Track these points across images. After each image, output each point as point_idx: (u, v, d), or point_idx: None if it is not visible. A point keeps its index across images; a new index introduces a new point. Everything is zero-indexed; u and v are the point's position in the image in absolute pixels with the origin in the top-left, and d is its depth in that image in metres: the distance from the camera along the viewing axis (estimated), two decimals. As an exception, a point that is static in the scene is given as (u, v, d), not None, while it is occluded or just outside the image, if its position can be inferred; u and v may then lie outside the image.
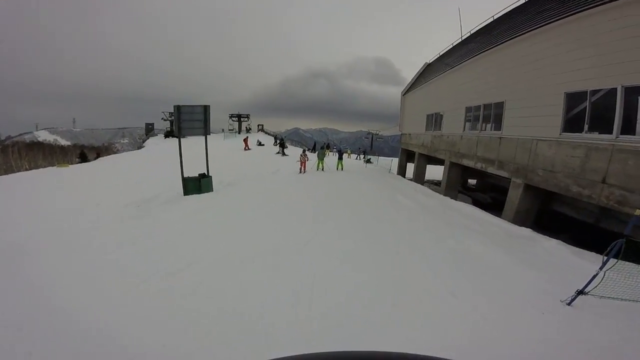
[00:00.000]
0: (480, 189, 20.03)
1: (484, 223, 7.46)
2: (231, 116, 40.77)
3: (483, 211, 8.81)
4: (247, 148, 27.71)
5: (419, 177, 18.97)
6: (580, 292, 3.56)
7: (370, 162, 27.10)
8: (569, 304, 3.66)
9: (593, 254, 5.33)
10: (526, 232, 6.73)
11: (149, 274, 4.34)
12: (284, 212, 8.18)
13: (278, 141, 30.55)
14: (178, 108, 10.65)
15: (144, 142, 32.04)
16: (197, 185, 10.95)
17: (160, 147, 28.92)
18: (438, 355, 0.60)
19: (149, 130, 38.90)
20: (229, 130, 39.08)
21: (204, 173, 11.49)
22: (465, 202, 13.49)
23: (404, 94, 22.34)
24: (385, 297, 3.82)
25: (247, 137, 29.99)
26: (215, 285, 4.08)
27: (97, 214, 8.85)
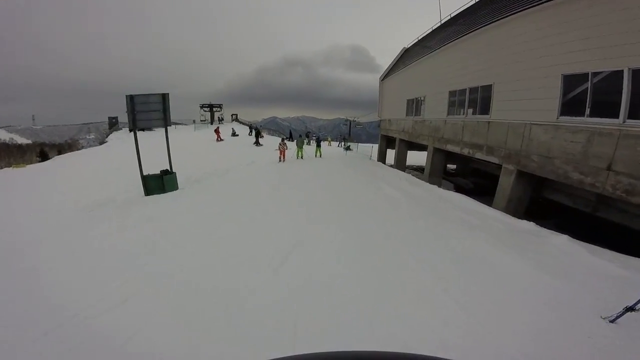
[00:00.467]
0: (461, 173, 19.81)
1: (480, 216, 6.85)
2: (202, 106, 38.41)
3: (475, 201, 8.23)
4: (219, 139, 26.00)
5: (400, 164, 18.41)
6: (630, 309, 2.90)
7: (350, 150, 26.33)
8: (612, 321, 3.00)
9: (608, 251, 4.78)
10: (528, 225, 6.17)
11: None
12: (260, 209, 7.20)
13: (253, 131, 29.09)
14: (131, 98, 9.22)
15: (107, 137, 29.45)
16: (159, 183, 9.68)
17: (125, 142, 26.62)
18: (438, 356, 0.58)
19: (113, 124, 36.01)
20: (201, 121, 36.85)
21: (167, 170, 10.18)
22: (448, 189, 13.09)
23: (382, 79, 21.53)
24: (391, 322, 3.01)
25: (219, 127, 28.15)
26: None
27: (38, 222, 7.48)
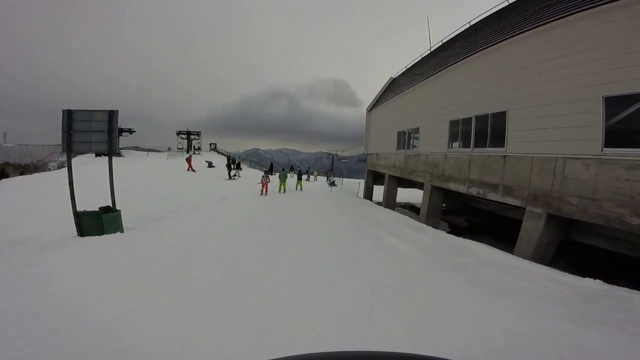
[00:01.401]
0: (453, 211, 18.50)
1: (521, 273, 5.14)
2: (179, 133, 36.33)
3: (502, 252, 6.56)
4: (190, 169, 23.90)
5: (389, 202, 16.86)
6: None
7: (335, 185, 24.79)
8: None
9: None
10: (595, 284, 4.54)
11: None
12: (224, 268, 5.14)
13: (233, 162, 27.09)
14: (68, 113, 7.27)
15: (58, 166, 26.44)
16: (96, 222, 7.47)
17: (86, 167, 23.88)
18: (438, 356, 0.58)
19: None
20: (178, 148, 34.62)
21: (108, 206, 8.02)
22: (442, 228, 11.52)
23: (370, 110, 20.67)
24: None
25: (191, 156, 26.06)
26: None
27: None
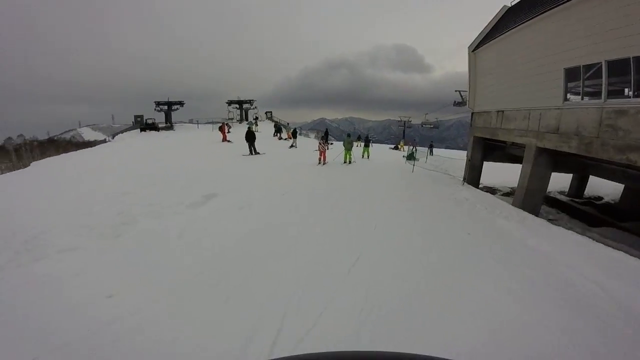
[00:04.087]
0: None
1: None
2: (230, 103, 32.57)
3: None
4: (225, 140, 19.89)
5: (532, 197, 9.66)
6: None
7: (415, 159, 17.89)
8: None
9: None
10: None
11: None
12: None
13: (279, 130, 23.03)
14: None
15: (113, 137, 24.61)
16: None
17: (126, 142, 21.23)
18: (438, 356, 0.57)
19: (138, 123, 31.37)
20: (229, 119, 31.01)
21: None
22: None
23: (474, 50, 12.85)
24: None
25: (224, 124, 22.07)
26: None
27: None
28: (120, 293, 3.57)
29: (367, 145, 19.06)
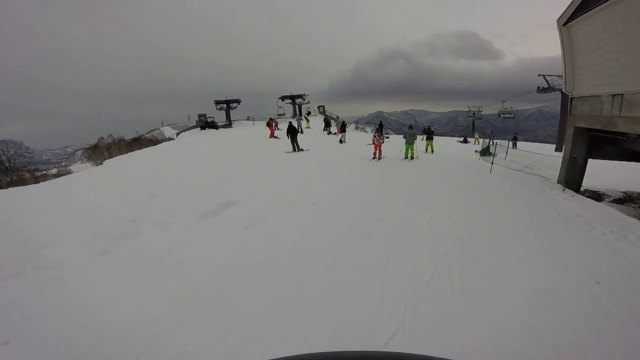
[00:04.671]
0: None
1: None
2: (283, 98, 32.43)
3: None
4: (273, 136, 19.41)
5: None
6: None
7: (492, 154, 15.17)
8: None
9: None
10: None
11: None
12: None
13: (329, 124, 22.07)
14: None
15: (177, 134, 26.15)
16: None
17: (186, 140, 22.25)
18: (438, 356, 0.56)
19: (202, 121, 33.03)
20: (279, 115, 30.98)
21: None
22: None
23: (566, 23, 9.91)
24: None
25: (272, 120, 21.56)
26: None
27: None
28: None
29: (430, 138, 16.98)
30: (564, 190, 8.63)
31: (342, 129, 18.89)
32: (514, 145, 23.53)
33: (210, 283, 3.92)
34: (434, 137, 17.64)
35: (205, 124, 27.75)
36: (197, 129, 28.08)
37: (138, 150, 19.35)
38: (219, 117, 32.01)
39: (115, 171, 12.22)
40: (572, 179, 11.12)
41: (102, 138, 49.70)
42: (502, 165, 12.42)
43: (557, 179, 11.53)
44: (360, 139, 21.77)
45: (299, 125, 22.31)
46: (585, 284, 3.75)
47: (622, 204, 10.79)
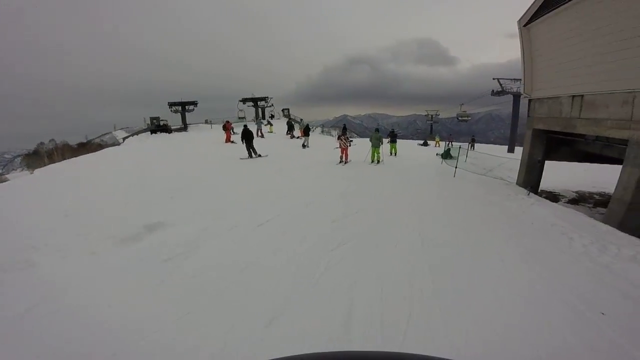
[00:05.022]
0: None
1: None
2: (245, 100, 30.65)
3: None
4: (230, 140, 17.94)
5: (636, 215, 6.80)
6: None
7: (452, 157, 15.07)
8: None
9: None
10: None
11: None
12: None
13: (291, 128, 20.95)
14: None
15: (123, 139, 23.44)
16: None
17: (132, 146, 19.84)
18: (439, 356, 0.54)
19: (153, 125, 29.98)
20: (239, 118, 29.15)
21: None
22: None
23: (527, 24, 9.80)
24: None
25: (229, 122, 19.94)
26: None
27: None
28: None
29: (394, 141, 16.90)
30: (528, 194, 8.24)
31: (306, 132, 17.78)
32: (472, 146, 24.31)
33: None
34: (397, 140, 17.52)
35: (157, 127, 25.21)
36: (147, 133, 25.45)
37: (74, 158, 16.75)
38: (175, 120, 29.50)
39: (39, 182, 10.07)
40: (529, 181, 11.04)
41: (41, 143, 44.02)
42: (464, 169, 12.09)
43: (515, 181, 11.45)
44: (325, 143, 20.93)
45: (259, 129, 20.84)
46: (586, 315, 3.01)
47: (577, 204, 10.84)
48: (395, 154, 16.53)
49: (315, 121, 33.86)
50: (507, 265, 4.08)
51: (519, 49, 10.34)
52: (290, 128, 22.06)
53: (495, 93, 23.05)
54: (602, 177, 12.21)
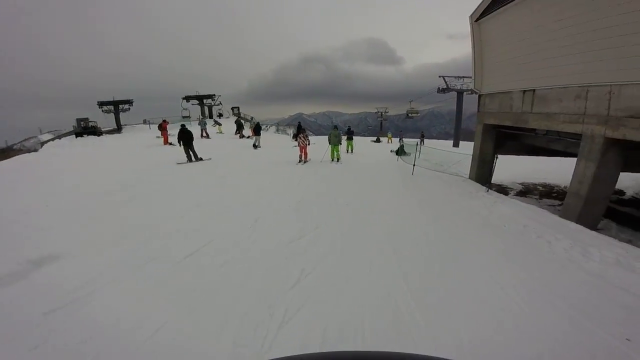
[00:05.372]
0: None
1: None
2: (188, 98, 27.74)
3: None
4: (168, 142, 15.91)
5: (591, 208, 6.72)
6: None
7: (406, 154, 14.85)
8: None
9: None
10: None
11: None
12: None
13: (241, 127, 19.35)
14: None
15: (41, 144, 19.65)
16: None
17: (52, 151, 16.56)
18: (439, 356, 0.54)
19: (79, 127, 25.70)
20: (183, 117, 26.35)
21: None
22: None
23: (478, 19, 9.63)
24: None
25: (166, 122, 17.59)
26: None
27: None
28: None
29: (350, 138, 16.59)
30: (487, 191, 7.92)
31: (256, 131, 16.23)
32: (422, 142, 25.21)
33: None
34: (353, 137, 17.18)
35: (83, 129, 21.63)
36: (72, 136, 21.77)
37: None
38: (109, 121, 25.72)
39: None
40: (480, 175, 11.03)
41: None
42: (420, 166, 11.75)
43: (468, 175, 11.43)
44: (280, 142, 19.66)
45: (203, 129, 18.75)
46: (611, 343, 2.35)
47: (525, 196, 11.06)
48: (352, 151, 16.34)
49: (270, 120, 32.27)
50: (499, 281, 3.38)
51: (470, 45, 10.14)
52: (240, 127, 20.23)
53: (440, 90, 23.83)
54: (541, 168, 12.72)
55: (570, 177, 6.99)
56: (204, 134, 18.53)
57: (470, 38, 10.04)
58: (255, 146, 15.44)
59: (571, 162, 6.32)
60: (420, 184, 8.70)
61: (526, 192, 11.76)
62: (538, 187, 12.08)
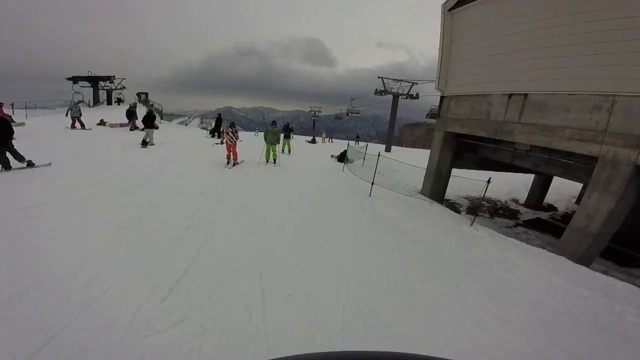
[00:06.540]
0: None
1: None
2: (75, 79, 20.27)
3: None
4: (76, 125, 10.77)
5: (596, 245, 5.06)
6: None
7: (350, 161, 12.44)
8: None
9: None
10: None
11: None
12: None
13: (131, 114, 14.14)
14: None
15: None
16: None
17: None
18: (439, 356, 0.53)
19: None
20: (74, 102, 19.14)
21: None
22: None
23: (451, 9, 7.63)
24: None
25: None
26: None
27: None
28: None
29: (288, 137, 13.78)
30: (471, 224, 5.82)
31: (147, 122, 11.30)
32: (357, 142, 24.76)
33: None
34: (292, 136, 14.17)
35: None
36: None
37: None
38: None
39: None
40: (437, 191, 9.33)
41: None
42: (377, 184, 9.43)
43: (419, 189, 9.64)
44: (198, 137, 15.49)
45: (74, 116, 12.86)
46: None
47: (475, 213, 9.73)
48: (289, 151, 13.63)
49: (195, 111, 26.78)
50: None
51: (438, 38, 8.08)
52: (130, 116, 14.35)
53: (378, 92, 22.62)
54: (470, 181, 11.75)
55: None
56: (77, 124, 12.79)
57: (439, 30, 7.95)
58: (144, 143, 10.75)
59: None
60: (383, 214, 6.18)
61: (474, 208, 10.45)
62: (483, 202, 10.92)
